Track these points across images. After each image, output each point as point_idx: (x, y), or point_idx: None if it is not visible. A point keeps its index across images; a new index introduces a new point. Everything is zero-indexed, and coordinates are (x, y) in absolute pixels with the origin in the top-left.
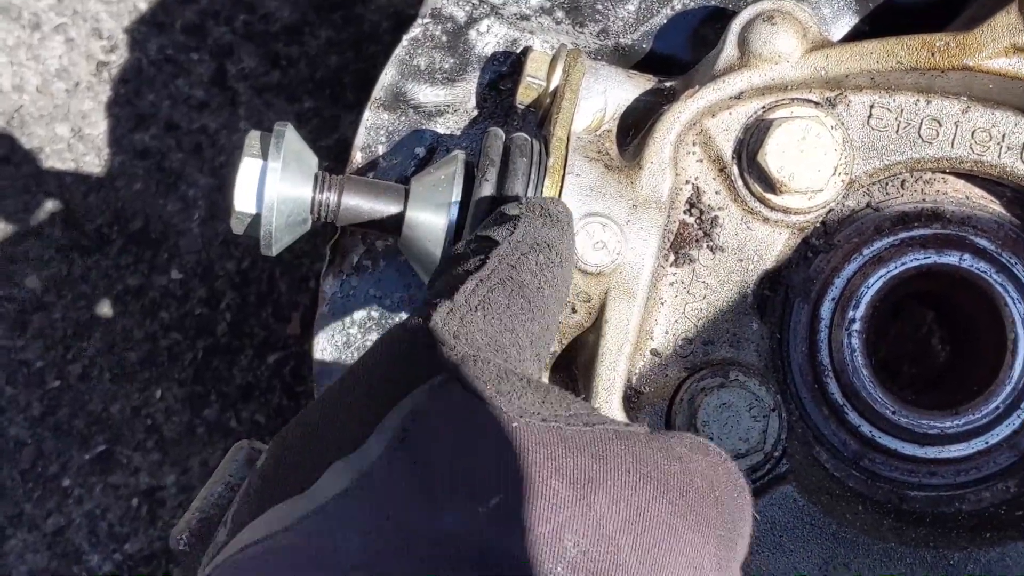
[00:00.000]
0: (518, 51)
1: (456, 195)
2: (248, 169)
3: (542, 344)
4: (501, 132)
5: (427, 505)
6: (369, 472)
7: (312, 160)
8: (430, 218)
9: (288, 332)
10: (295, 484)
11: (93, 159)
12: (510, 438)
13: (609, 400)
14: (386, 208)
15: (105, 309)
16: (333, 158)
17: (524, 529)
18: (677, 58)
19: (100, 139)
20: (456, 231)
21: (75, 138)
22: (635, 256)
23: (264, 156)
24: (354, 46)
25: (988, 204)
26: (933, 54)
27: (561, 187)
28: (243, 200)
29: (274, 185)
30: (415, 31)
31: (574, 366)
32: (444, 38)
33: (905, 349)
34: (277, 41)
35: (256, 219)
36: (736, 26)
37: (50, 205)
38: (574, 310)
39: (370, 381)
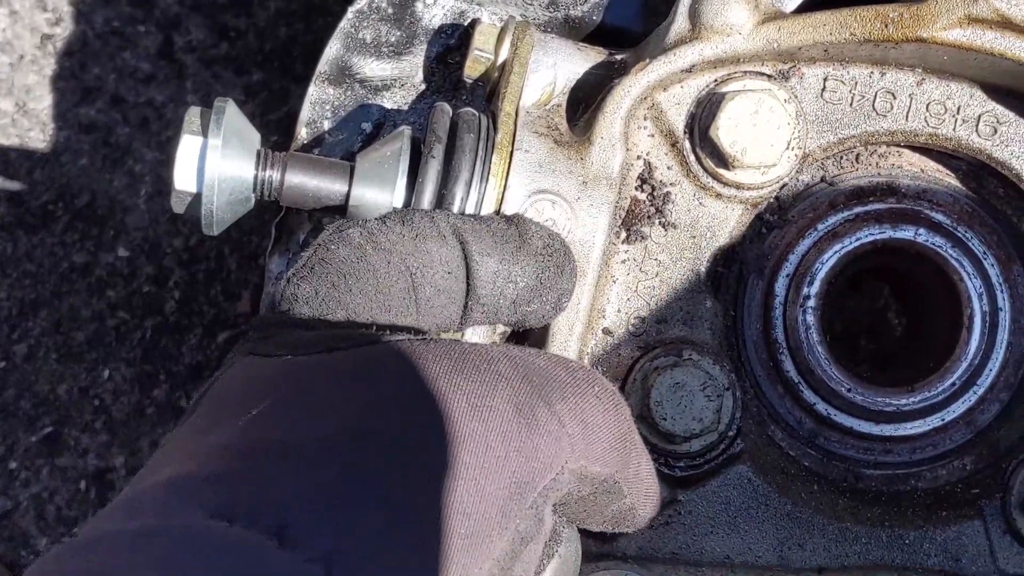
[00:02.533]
0: (466, 23)
1: (402, 172)
2: (187, 147)
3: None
4: (448, 107)
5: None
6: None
7: (254, 137)
8: (376, 195)
9: (238, 310)
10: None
11: (38, 134)
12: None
13: None
14: (331, 185)
15: (51, 288)
16: (283, 132)
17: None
18: (628, 30)
19: (45, 114)
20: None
21: (19, 113)
22: (585, 234)
23: (204, 133)
24: (304, 17)
25: (943, 178)
26: (887, 25)
27: (509, 163)
28: (183, 179)
29: (215, 163)
30: (360, 3)
31: (525, 345)
32: (390, 10)
33: (862, 323)
34: (225, 12)
35: (197, 198)
36: None
37: None
38: None
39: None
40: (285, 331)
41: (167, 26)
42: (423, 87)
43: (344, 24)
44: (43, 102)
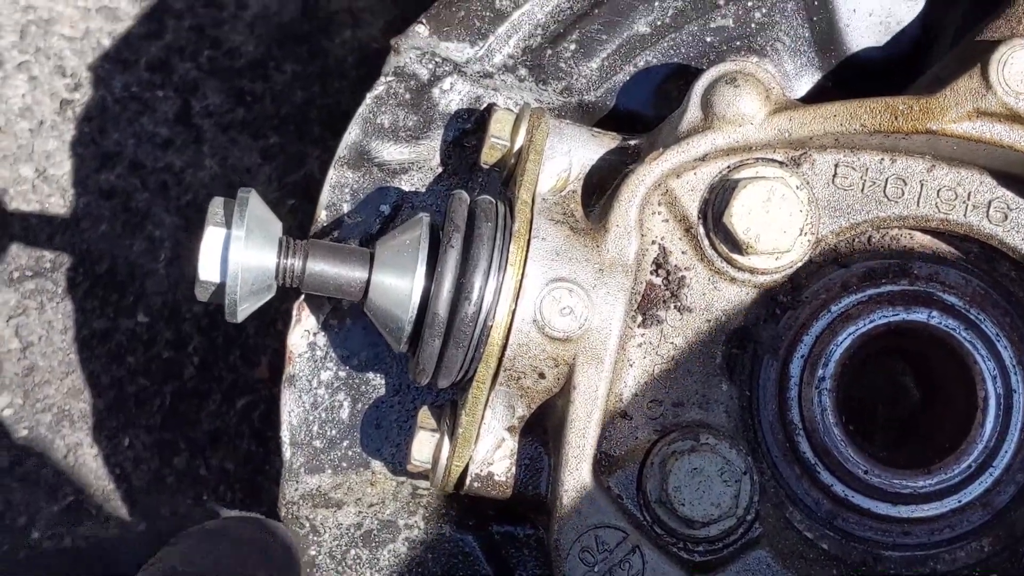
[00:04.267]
0: (482, 108)
1: (422, 259)
2: (212, 238)
3: None
4: (466, 195)
5: None
6: None
7: (276, 226)
8: (396, 282)
9: (257, 376)
10: None
11: (58, 200)
12: None
13: (579, 467)
14: (351, 273)
15: (72, 355)
16: (300, 195)
17: None
18: (641, 114)
19: (65, 179)
20: (422, 296)
21: (40, 179)
22: (602, 321)
23: (228, 224)
24: (320, 81)
25: (955, 260)
26: (896, 117)
27: (527, 252)
28: (207, 269)
29: (238, 254)
30: (378, 89)
31: (543, 431)
32: (407, 96)
33: (879, 390)
34: (242, 77)
35: (220, 287)
36: (699, 88)
37: (15, 249)
38: (542, 375)
39: None
40: None
41: (185, 91)
42: (440, 170)
43: (362, 110)
44: (63, 168)
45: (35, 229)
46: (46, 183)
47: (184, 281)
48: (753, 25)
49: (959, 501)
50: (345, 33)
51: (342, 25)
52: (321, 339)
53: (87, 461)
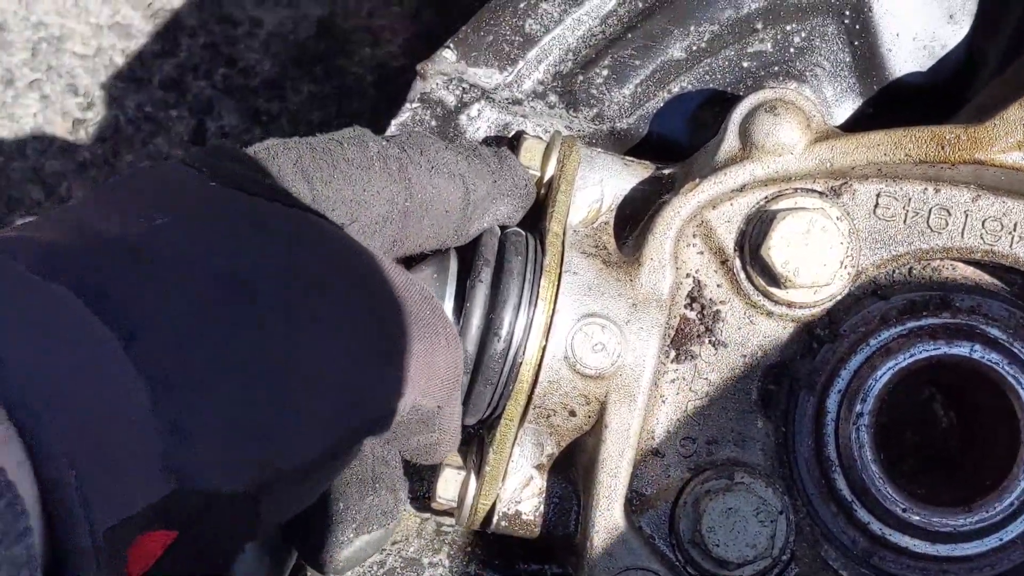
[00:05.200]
0: (510, 135)
1: (450, 294)
2: None
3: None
4: (497, 228)
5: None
6: None
7: None
8: None
9: None
10: None
11: None
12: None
13: (611, 508)
14: None
15: None
16: None
17: None
18: (675, 142)
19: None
20: None
21: (50, 201)
22: (635, 358)
23: None
24: (337, 100)
25: (999, 292)
26: (943, 147)
27: (558, 287)
28: None
29: None
30: (404, 116)
31: (573, 469)
32: (434, 123)
33: (906, 414)
34: (258, 96)
35: None
36: (737, 116)
37: None
38: (572, 413)
39: None
40: (239, 164)
41: (200, 111)
42: None
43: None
44: (75, 191)
45: None
46: (57, 205)
47: None
48: (792, 50)
49: (1000, 540)
50: (364, 51)
51: (360, 43)
52: None
53: None
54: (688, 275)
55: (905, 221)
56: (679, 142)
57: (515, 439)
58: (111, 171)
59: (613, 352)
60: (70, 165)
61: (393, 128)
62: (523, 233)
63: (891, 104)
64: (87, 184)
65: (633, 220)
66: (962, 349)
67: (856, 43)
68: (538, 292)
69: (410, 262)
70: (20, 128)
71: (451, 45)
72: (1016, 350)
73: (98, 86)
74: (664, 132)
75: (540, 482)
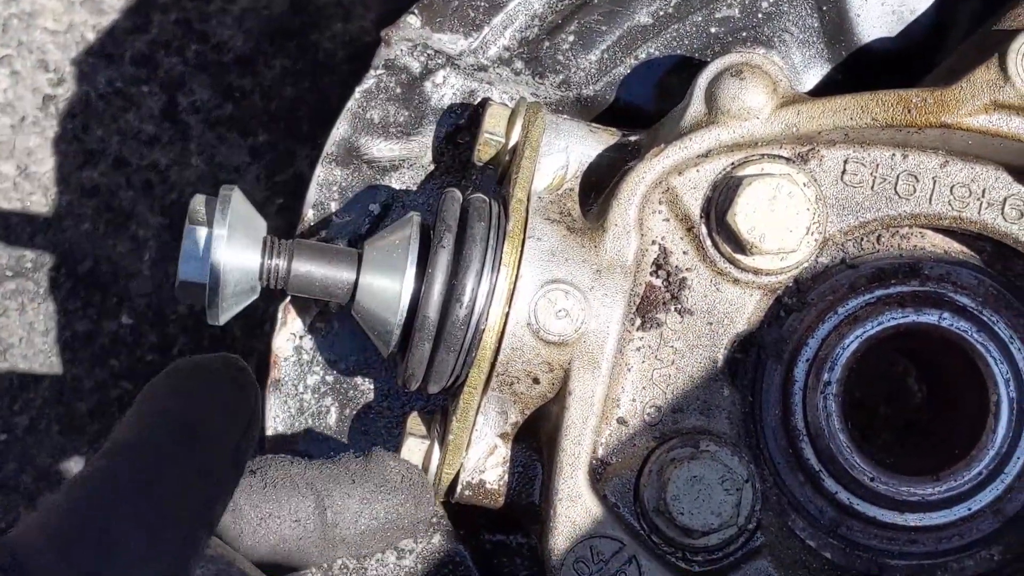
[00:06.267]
0: (476, 103)
1: (412, 261)
2: (193, 237)
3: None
4: (458, 194)
5: None
6: None
7: (260, 224)
8: (385, 284)
9: None
10: None
11: (40, 198)
12: None
13: (574, 475)
14: (338, 274)
15: (53, 357)
16: (289, 194)
17: None
18: (642, 108)
19: (47, 177)
20: (412, 298)
21: (21, 176)
22: (599, 324)
23: (209, 223)
24: (310, 76)
25: (968, 259)
26: (909, 111)
27: (521, 252)
28: (188, 270)
29: (220, 253)
30: (368, 83)
31: (537, 438)
32: (398, 90)
33: (879, 388)
34: (230, 72)
35: (201, 289)
36: (703, 81)
37: None
38: (536, 380)
39: None
40: None
41: (171, 87)
42: (432, 167)
43: (351, 104)
44: (45, 165)
45: (16, 228)
46: (27, 181)
47: (169, 282)
48: (760, 15)
49: (969, 509)
50: (336, 26)
51: (333, 18)
52: (308, 342)
53: (68, 466)
54: (654, 242)
55: (873, 187)
56: (646, 109)
57: (479, 407)
58: (81, 146)
59: (577, 318)
60: (40, 140)
61: (357, 95)
62: (487, 199)
63: (860, 70)
64: (58, 158)
65: (598, 187)
66: (931, 317)
67: (824, 8)
68: (501, 258)
69: (373, 229)
70: None
71: (415, 11)
72: (985, 318)
73: (69, 62)
74: (631, 99)
75: (504, 451)
